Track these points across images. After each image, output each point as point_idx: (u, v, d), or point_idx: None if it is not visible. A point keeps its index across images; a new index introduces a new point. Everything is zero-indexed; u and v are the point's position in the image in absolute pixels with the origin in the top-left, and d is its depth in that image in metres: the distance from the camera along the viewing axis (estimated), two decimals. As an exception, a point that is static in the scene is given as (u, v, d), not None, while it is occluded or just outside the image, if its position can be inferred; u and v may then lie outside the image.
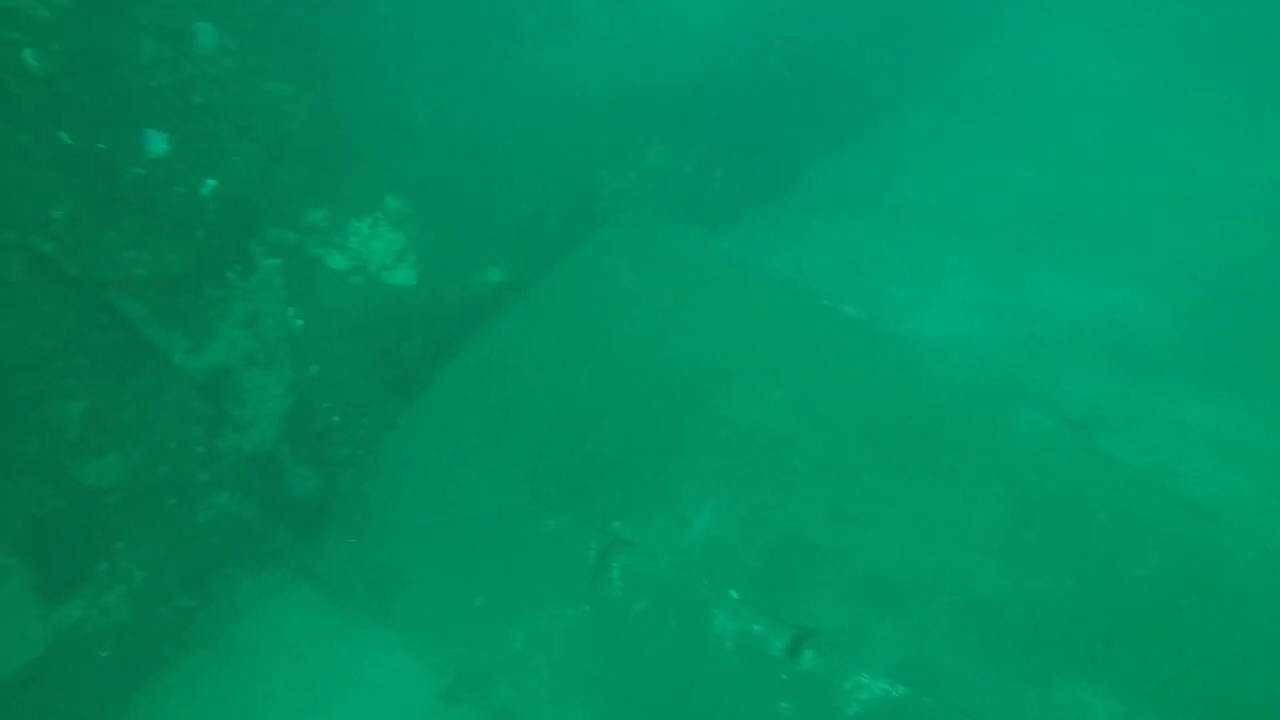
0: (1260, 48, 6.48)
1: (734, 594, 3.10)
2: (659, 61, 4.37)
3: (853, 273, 4.48)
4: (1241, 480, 3.52)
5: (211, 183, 3.07)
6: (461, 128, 3.74)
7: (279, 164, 3.23)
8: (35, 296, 2.76)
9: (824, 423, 3.50)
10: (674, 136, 4.45)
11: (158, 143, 2.92)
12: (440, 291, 3.71)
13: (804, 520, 3.26)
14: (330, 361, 3.49)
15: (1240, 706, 2.66)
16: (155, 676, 3.26)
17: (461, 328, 3.78)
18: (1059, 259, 4.76)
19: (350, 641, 3.54)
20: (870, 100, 5.71)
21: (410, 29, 3.57)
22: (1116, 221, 5.08)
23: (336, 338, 3.49)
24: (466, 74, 3.77)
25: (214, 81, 3.03)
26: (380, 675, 3.47)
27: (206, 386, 3.20)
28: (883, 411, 3.52)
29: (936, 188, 5.32)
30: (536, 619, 3.29)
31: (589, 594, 3.26)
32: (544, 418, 3.62)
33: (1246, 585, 2.89)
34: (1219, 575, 2.87)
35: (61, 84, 2.62)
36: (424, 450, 3.63)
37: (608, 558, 3.28)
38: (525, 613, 3.31)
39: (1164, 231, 5.00)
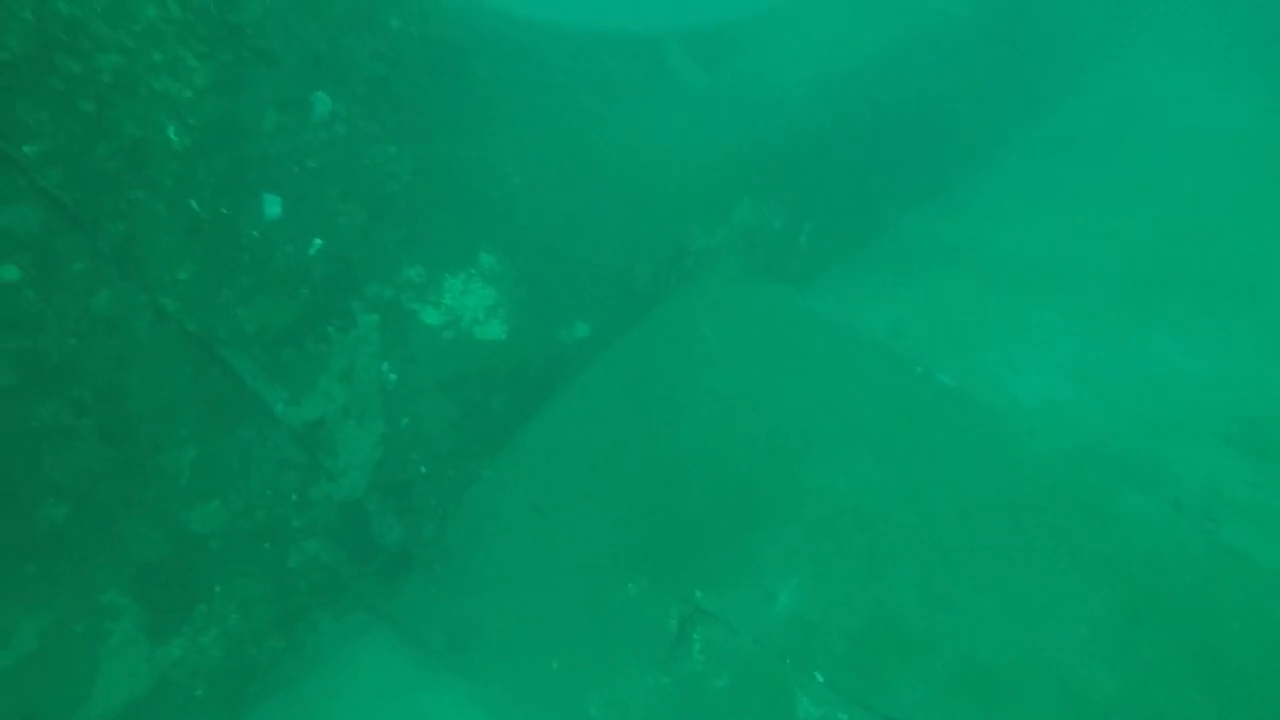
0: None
1: (819, 677, 3.00)
2: (750, 116, 4.35)
3: (946, 333, 4.32)
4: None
5: (319, 242, 3.20)
6: (554, 185, 3.80)
7: (381, 223, 3.34)
8: (158, 352, 2.91)
9: (916, 498, 3.36)
10: (764, 191, 4.41)
11: (273, 206, 3.06)
12: (528, 346, 3.75)
13: (894, 602, 3.13)
14: (420, 414, 3.56)
15: None
16: (243, 717, 3.36)
17: (548, 382, 3.82)
18: (1172, 322, 4.48)
19: (426, 692, 3.57)
20: (964, 149, 5.54)
21: (507, 90, 3.66)
22: (1236, 281, 4.76)
23: (427, 391, 3.56)
24: (559, 132, 3.83)
25: (325, 146, 3.16)
26: (454, 729, 3.48)
27: (303, 437, 3.31)
28: (979, 488, 3.37)
29: (1035, 242, 5.10)
30: (614, 686, 3.24)
31: (668, 664, 3.20)
32: (628, 477, 3.60)
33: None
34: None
35: (195, 157, 2.78)
36: (507, 503, 3.66)
37: (688, 628, 3.22)
38: (603, 678, 3.27)
39: (1290, 292, 4.66)
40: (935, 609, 3.08)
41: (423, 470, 3.63)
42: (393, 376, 3.46)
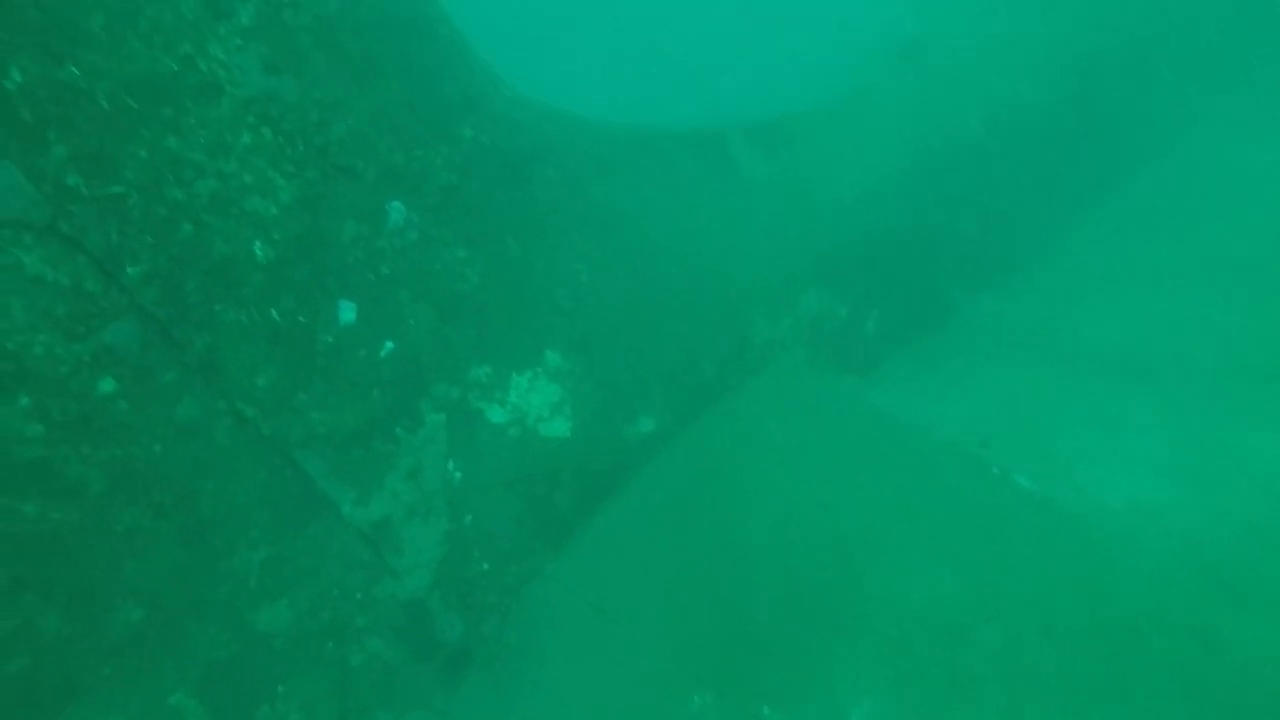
0: None
1: (897, 814, 2.80)
2: (814, 206, 4.33)
3: (1023, 428, 4.13)
4: None
5: (390, 345, 3.27)
6: (620, 280, 3.82)
7: (450, 324, 3.40)
8: (236, 456, 2.99)
9: (999, 614, 3.17)
10: (829, 280, 4.36)
11: (347, 312, 3.15)
12: (593, 442, 3.73)
13: (978, 731, 2.92)
14: (484, 511, 3.56)
15: None
16: (302, 822, 3.32)
17: (612, 478, 3.78)
18: (1273, 415, 4.18)
19: (484, 798, 3.48)
20: (1034, 228, 5.39)
21: (576, 190, 3.73)
22: (1342, 370, 4.43)
23: (491, 488, 3.56)
24: (626, 227, 3.87)
25: (399, 252, 3.26)
26: (511, 839, 3.37)
27: (370, 536, 3.33)
28: (1067, 606, 3.16)
29: (1117, 326, 4.87)
30: (676, 809, 3.10)
31: (734, 789, 3.05)
32: (693, 578, 3.51)
33: None
34: None
35: (278, 269, 2.90)
36: (568, 602, 3.60)
37: (755, 749, 3.07)
38: (664, 799, 3.14)
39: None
40: (1024, 742, 2.86)
41: (485, 567, 3.61)
42: (458, 474, 3.48)
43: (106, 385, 2.73)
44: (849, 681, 3.13)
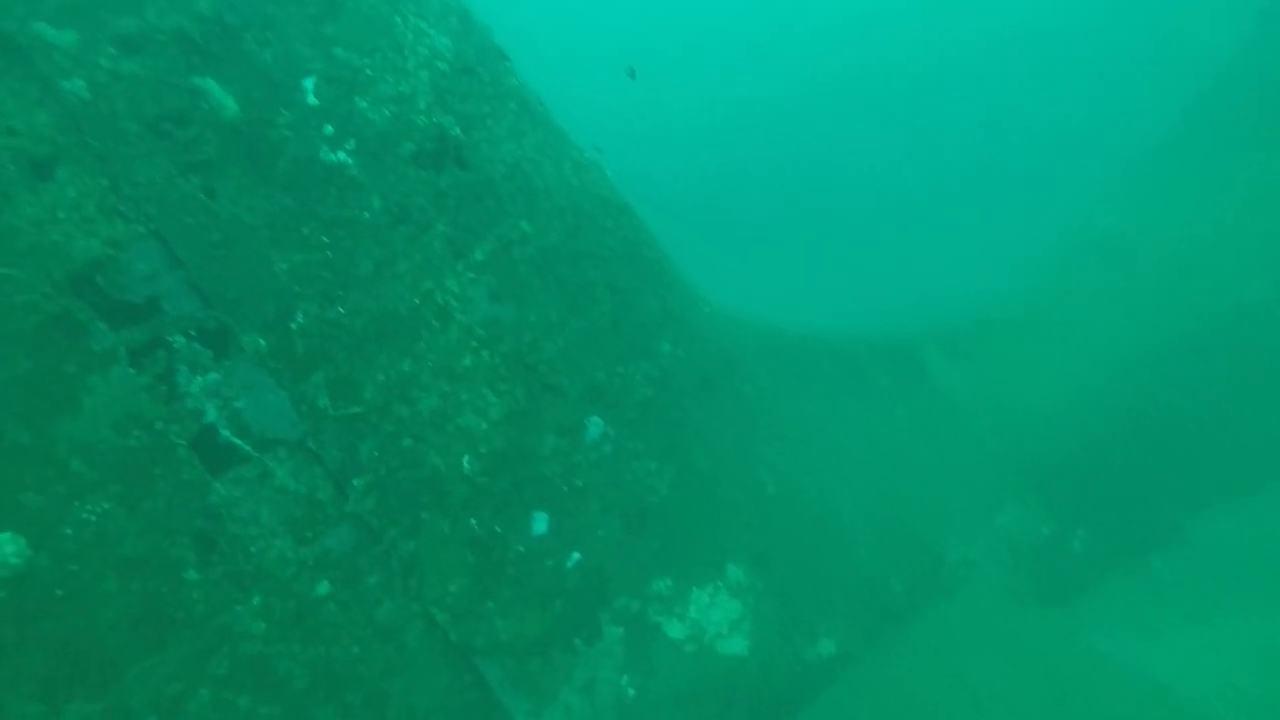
0: None
1: None
2: (1013, 416, 4.06)
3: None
4: None
5: (576, 555, 3.29)
6: (808, 493, 3.71)
7: (636, 536, 3.39)
8: (422, 660, 3.06)
9: None
10: (1029, 495, 4.02)
11: (540, 523, 3.22)
12: (770, 662, 3.52)
13: None
14: (653, 731, 3.40)
15: None
16: None
17: (789, 703, 3.53)
18: None
19: None
20: (1273, 440, 4.76)
21: (768, 402, 3.72)
22: None
23: (663, 706, 3.41)
24: (817, 439, 3.79)
25: (593, 465, 3.34)
26: None
27: (540, 749, 3.25)
28: None
29: (1392, 565, 4.11)
30: None
31: None
32: (876, 844, 3.13)
33: None
34: None
35: (481, 481, 3.05)
36: (734, 845, 3.30)
37: None
38: None
39: None
40: None
41: (642, 794, 3.41)
42: (631, 691, 3.37)
43: (322, 588, 2.90)
44: None
